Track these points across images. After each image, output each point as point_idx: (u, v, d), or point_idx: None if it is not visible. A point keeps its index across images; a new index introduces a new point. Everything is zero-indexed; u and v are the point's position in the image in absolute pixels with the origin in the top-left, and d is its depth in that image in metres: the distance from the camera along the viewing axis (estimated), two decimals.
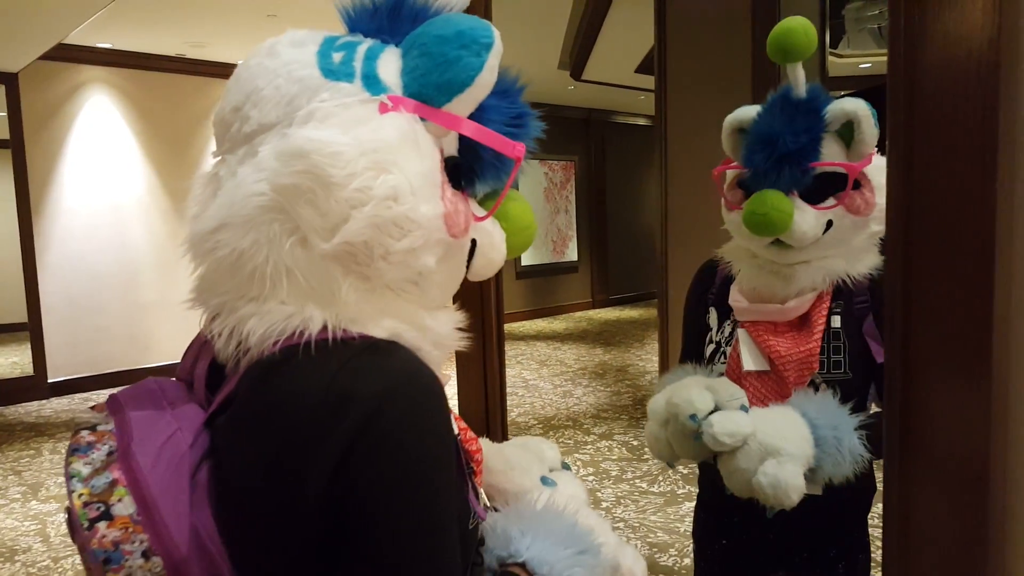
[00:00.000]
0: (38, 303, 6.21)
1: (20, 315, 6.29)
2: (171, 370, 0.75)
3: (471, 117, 0.69)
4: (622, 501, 3.58)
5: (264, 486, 0.61)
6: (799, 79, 1.25)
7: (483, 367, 2.02)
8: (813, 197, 1.25)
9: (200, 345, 0.73)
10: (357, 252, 0.64)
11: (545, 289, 10.40)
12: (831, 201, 1.25)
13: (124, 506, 0.59)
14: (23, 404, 6.15)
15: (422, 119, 0.66)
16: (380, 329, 0.66)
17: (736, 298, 1.37)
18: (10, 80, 5.97)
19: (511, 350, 7.79)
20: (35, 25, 4.89)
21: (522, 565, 0.74)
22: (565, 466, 0.97)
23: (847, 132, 1.24)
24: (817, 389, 1.25)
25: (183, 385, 0.73)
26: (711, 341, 1.42)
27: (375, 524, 0.59)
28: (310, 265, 0.64)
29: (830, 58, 4.94)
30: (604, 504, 3.56)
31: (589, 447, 4.46)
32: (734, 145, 1.35)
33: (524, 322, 9.83)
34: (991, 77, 0.58)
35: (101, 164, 6.57)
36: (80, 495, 0.60)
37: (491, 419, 2.03)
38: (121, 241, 6.66)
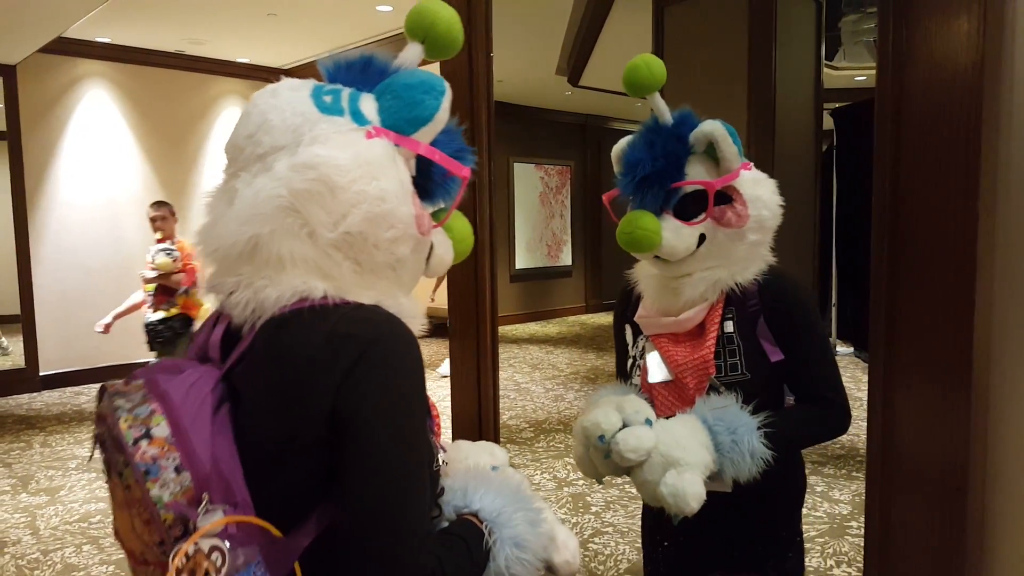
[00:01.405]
0: (31, 296, 6.20)
1: (13, 307, 6.28)
2: None
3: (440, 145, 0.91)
4: (611, 506, 3.60)
5: (278, 413, 0.76)
6: (660, 108, 1.38)
7: (476, 369, 2.03)
8: (684, 214, 1.34)
9: (212, 323, 0.88)
10: (354, 241, 0.82)
11: (539, 292, 10.43)
12: (700, 216, 1.33)
13: (161, 430, 0.74)
14: (14, 396, 6.13)
15: (396, 145, 0.86)
16: (366, 299, 0.84)
17: (641, 313, 1.46)
18: (8, 72, 5.97)
19: (504, 353, 7.80)
20: (35, 18, 4.89)
21: (475, 514, 0.89)
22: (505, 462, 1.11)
23: (713, 152, 1.33)
24: (719, 393, 1.32)
25: (194, 360, 0.87)
26: (629, 356, 1.50)
27: (370, 427, 0.74)
28: (316, 251, 0.82)
29: (825, 70, 4.98)
30: (594, 508, 3.58)
31: None
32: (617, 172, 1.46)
33: (517, 325, 9.85)
34: (974, 99, 0.61)
35: (97, 158, 6.57)
36: (126, 420, 0.74)
37: (483, 421, 2.05)
38: (116, 236, 6.66)
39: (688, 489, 1.15)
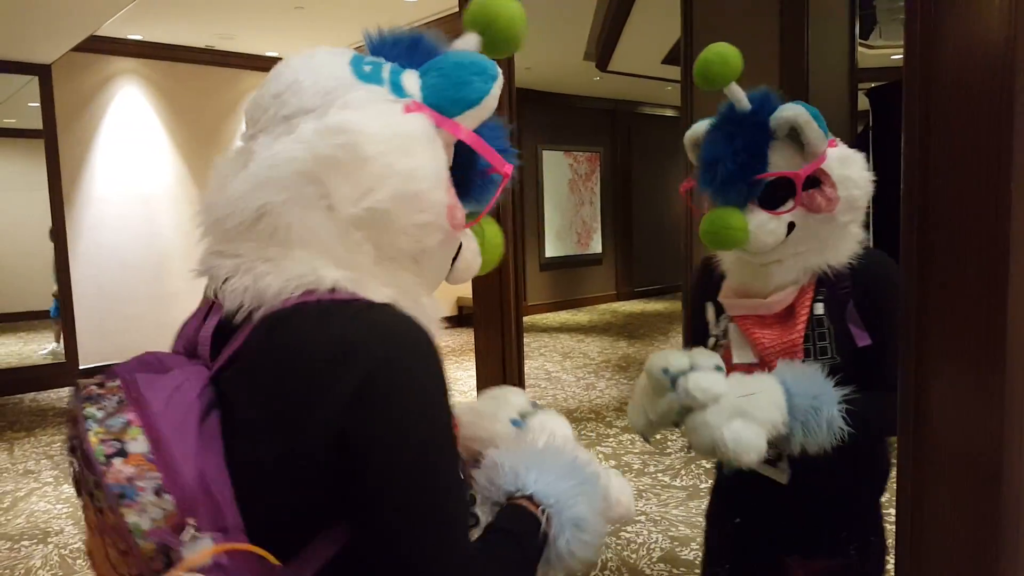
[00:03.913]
0: (70, 291, 6.34)
1: (45, 303, 6.44)
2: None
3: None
4: (644, 494, 3.59)
5: (273, 428, 0.67)
6: (737, 96, 1.30)
7: (502, 358, 2.03)
8: (770, 203, 1.27)
9: (204, 313, 0.78)
10: (378, 220, 0.73)
11: (569, 281, 10.39)
12: (789, 204, 1.27)
13: (138, 444, 0.63)
14: (55, 390, 6.29)
15: (436, 126, 0.77)
16: (380, 295, 0.74)
17: (725, 294, 1.42)
18: (43, 71, 6.09)
19: (534, 342, 7.80)
20: (68, 17, 4.98)
21: (529, 497, 0.82)
22: (535, 406, 1.04)
23: (797, 135, 1.26)
24: None
25: (181, 356, 0.77)
26: (710, 335, 1.46)
27: (391, 457, 0.66)
28: (333, 228, 0.73)
29: (860, 49, 4.86)
30: None
31: (611, 440, 4.47)
32: (695, 159, 1.39)
33: (547, 314, 9.84)
34: (1007, 76, 0.58)
35: (131, 154, 6.68)
36: (96, 432, 0.63)
37: None
38: (150, 230, 6.78)
39: (752, 441, 1.13)
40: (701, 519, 3.20)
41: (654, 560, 2.94)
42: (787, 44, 4.06)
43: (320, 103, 0.75)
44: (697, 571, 2.80)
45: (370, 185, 0.72)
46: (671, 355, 1.23)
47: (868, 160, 1.37)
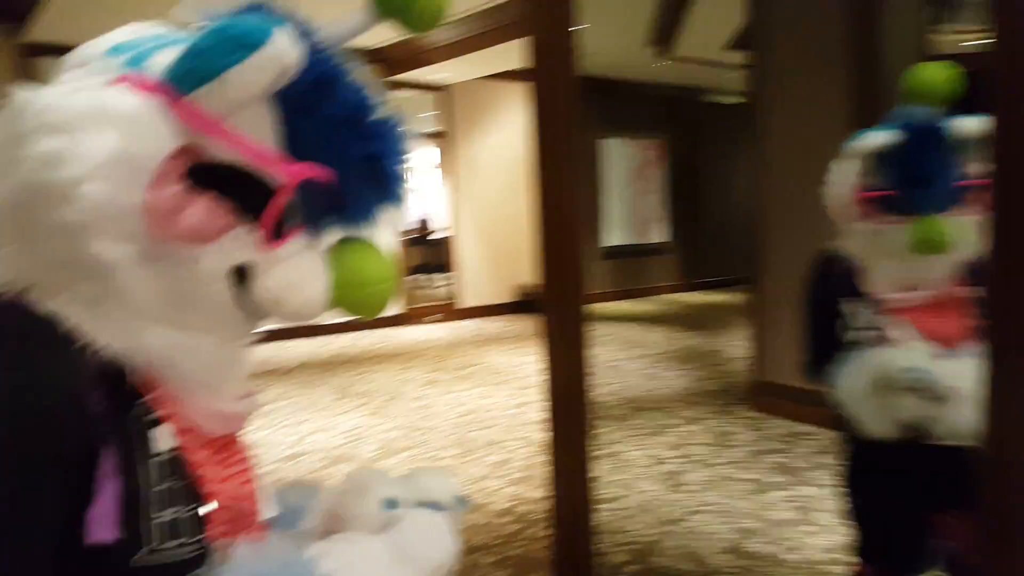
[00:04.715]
0: None
1: None
2: None
3: (321, 146, 0.67)
4: (709, 486, 3.55)
5: None
6: (930, 112, 1.42)
7: (566, 346, 2.04)
8: (968, 205, 1.37)
9: None
10: (17, 212, 0.61)
11: (632, 270, 10.31)
12: (977, 206, 1.34)
13: None
14: None
15: (170, 109, 0.63)
16: (47, 305, 0.62)
17: (881, 288, 1.48)
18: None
19: (596, 330, 7.76)
20: None
21: None
22: (460, 502, 0.87)
23: (966, 144, 1.39)
24: None
25: None
26: (850, 330, 1.51)
27: None
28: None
29: (937, 35, 4.66)
30: (690, 487, 3.54)
31: (675, 431, 4.43)
32: (867, 168, 1.46)
33: (609, 303, 9.79)
34: None
35: None
36: None
37: (575, 399, 2.05)
38: None
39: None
40: (768, 512, 3.17)
41: (719, 551, 2.91)
42: (862, 26, 3.92)
43: (60, 73, 0.67)
44: (761, 563, 2.77)
45: (3, 170, 0.61)
46: (901, 355, 1.33)
47: None
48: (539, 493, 3.53)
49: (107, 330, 0.63)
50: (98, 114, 0.60)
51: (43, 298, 0.62)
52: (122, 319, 0.64)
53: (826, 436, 4.00)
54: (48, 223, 0.60)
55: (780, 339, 4.49)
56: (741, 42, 5.55)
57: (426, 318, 8.74)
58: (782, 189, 4.47)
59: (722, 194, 11.23)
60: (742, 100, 4.83)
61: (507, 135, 9.23)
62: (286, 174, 0.65)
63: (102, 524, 0.60)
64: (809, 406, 4.17)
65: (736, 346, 6.79)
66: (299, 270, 0.69)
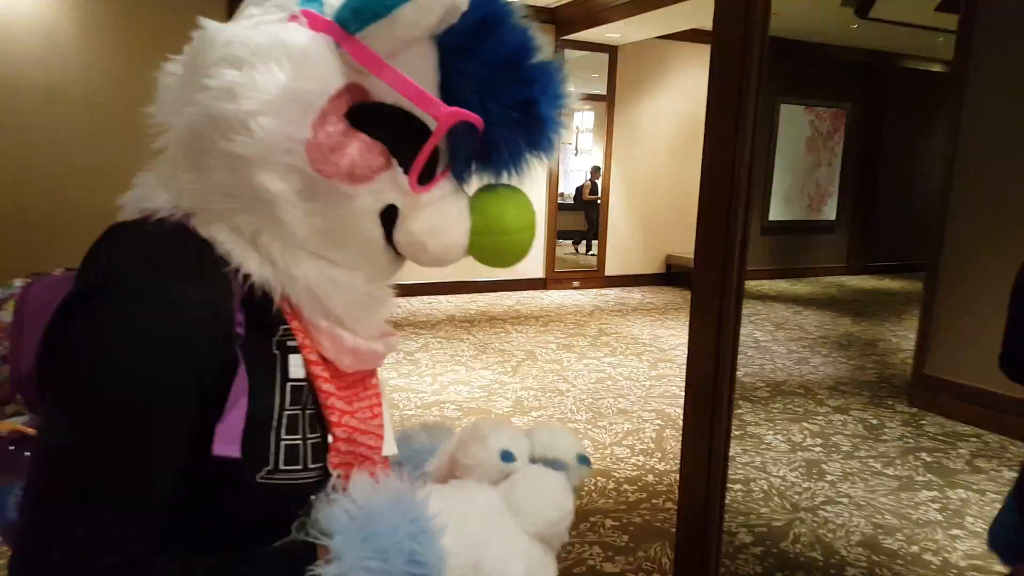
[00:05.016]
0: None
1: None
2: None
3: (476, 90, 0.67)
4: (850, 477, 3.37)
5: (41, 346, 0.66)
6: None
7: (717, 323, 1.98)
8: None
9: None
10: (189, 141, 0.64)
11: (793, 248, 9.75)
12: None
13: (5, 315, 0.70)
14: None
15: (338, 46, 0.64)
16: (206, 230, 0.65)
17: None
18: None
19: (746, 308, 7.46)
20: None
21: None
22: (583, 461, 0.84)
23: None
24: None
25: None
26: None
27: (51, 404, 0.60)
28: (174, 148, 0.67)
29: None
30: (829, 477, 3.38)
31: (820, 418, 4.22)
32: None
33: (764, 281, 9.34)
34: None
35: None
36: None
37: (719, 377, 2.00)
38: None
39: None
40: (912, 511, 2.97)
41: (852, 543, 2.77)
42: None
43: (245, 7, 0.68)
44: (896, 562, 2.61)
45: (189, 97, 0.63)
46: None
47: None
48: (666, 466, 3.50)
49: (260, 259, 0.66)
50: (274, 50, 0.61)
51: (204, 224, 0.66)
52: (277, 249, 0.66)
53: (987, 439, 3.70)
54: (221, 153, 0.62)
55: (952, 332, 4.12)
56: (953, 3, 4.99)
57: (570, 283, 8.78)
58: (976, 171, 4.04)
59: (904, 172, 10.29)
60: (943, 70, 4.35)
61: (669, 99, 8.92)
62: (442, 116, 0.66)
63: (228, 438, 0.62)
64: (973, 405, 3.83)
65: (900, 336, 6.30)
66: (443, 215, 0.70)
